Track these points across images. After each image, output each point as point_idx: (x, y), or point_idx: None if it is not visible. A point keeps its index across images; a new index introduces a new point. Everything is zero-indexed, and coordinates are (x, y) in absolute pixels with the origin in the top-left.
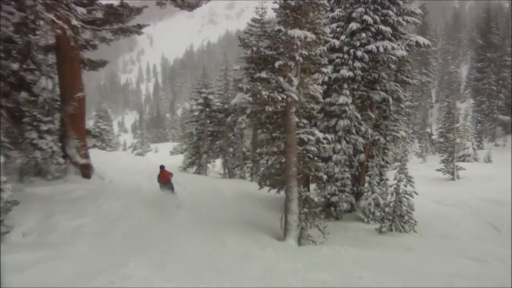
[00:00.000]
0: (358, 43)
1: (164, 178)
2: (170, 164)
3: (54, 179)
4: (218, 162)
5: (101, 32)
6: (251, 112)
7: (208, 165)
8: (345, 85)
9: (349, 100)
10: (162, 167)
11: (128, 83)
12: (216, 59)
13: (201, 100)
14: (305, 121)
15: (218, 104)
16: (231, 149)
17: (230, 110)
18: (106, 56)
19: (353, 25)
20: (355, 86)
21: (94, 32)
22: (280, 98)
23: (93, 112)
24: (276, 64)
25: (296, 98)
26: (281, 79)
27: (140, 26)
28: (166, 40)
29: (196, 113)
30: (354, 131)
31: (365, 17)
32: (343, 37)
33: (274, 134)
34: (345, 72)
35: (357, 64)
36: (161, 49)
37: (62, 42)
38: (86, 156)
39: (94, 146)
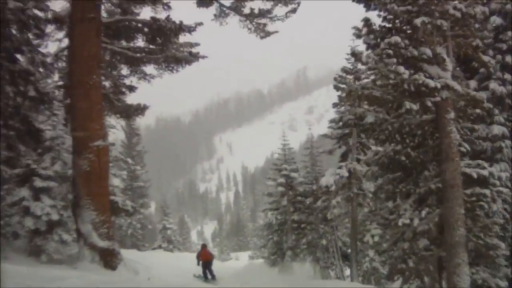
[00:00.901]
0: (505, 46)
1: (206, 256)
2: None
3: (54, 263)
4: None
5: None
6: (373, 123)
7: (294, 263)
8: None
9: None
10: (204, 246)
11: (208, 192)
12: (299, 165)
13: (281, 180)
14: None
15: (304, 183)
16: (323, 242)
17: (320, 192)
18: (185, 163)
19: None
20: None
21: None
22: (433, 85)
23: (172, 220)
24: (418, 22)
25: (459, 89)
26: (428, 51)
27: (193, 54)
28: (245, 147)
29: (275, 198)
30: None
31: None
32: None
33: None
34: (496, 87)
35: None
36: (241, 157)
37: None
38: (109, 237)
39: (160, 247)
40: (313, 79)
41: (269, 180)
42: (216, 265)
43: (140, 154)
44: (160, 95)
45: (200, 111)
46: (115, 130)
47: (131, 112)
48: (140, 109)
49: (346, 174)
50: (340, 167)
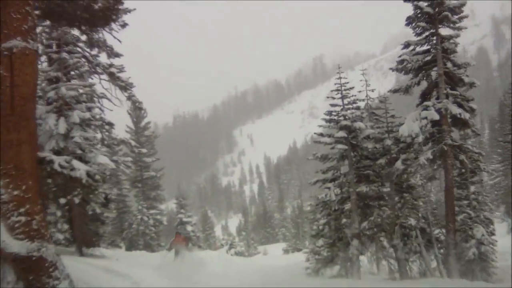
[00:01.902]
0: None
1: (177, 241)
2: (291, 264)
3: None
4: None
5: None
6: None
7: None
8: None
9: None
10: (177, 233)
11: (231, 185)
12: (322, 151)
13: (341, 134)
14: None
15: (374, 138)
16: (409, 222)
17: (397, 149)
18: (205, 159)
19: None
20: None
21: None
22: None
23: (195, 216)
24: None
25: None
26: None
27: None
28: (266, 138)
29: (332, 163)
30: None
31: None
32: None
33: None
34: None
35: None
36: (263, 148)
37: None
38: (34, 235)
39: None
40: (329, 66)
41: (321, 136)
42: (241, 262)
43: (150, 140)
44: (177, 93)
45: (218, 106)
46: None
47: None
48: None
49: (437, 116)
50: (426, 108)
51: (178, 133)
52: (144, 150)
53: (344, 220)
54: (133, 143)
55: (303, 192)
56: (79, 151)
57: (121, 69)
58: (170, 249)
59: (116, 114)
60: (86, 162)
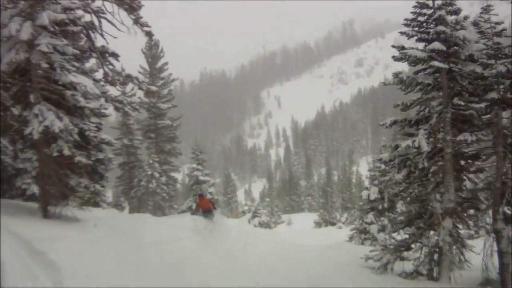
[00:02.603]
0: None
1: (205, 205)
2: (334, 247)
3: None
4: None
5: None
6: None
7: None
8: None
9: None
10: (200, 195)
11: (256, 148)
12: (351, 119)
13: (436, 46)
14: None
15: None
16: None
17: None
18: (232, 119)
19: None
20: None
21: None
22: None
23: (218, 178)
24: None
25: None
26: None
27: None
28: (294, 101)
29: (424, 96)
30: None
31: None
32: None
33: None
34: None
35: None
36: (290, 111)
37: None
38: None
39: (190, 209)
40: (359, 32)
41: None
42: (267, 239)
43: (167, 83)
44: (204, 51)
45: (246, 65)
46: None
47: None
48: None
49: None
50: None
51: (204, 91)
52: (153, 88)
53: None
54: (142, 78)
55: (330, 160)
56: (44, 65)
57: None
58: (196, 213)
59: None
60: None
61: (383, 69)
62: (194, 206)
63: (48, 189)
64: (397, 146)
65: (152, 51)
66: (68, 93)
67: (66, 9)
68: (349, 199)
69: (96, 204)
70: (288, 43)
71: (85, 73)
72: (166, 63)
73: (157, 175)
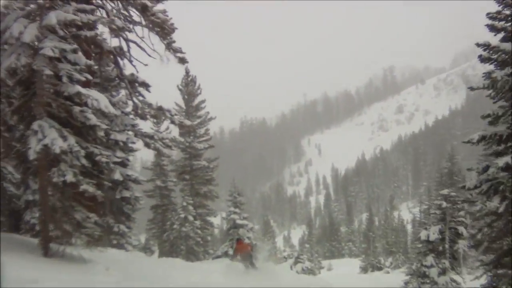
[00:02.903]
0: None
1: (244, 249)
2: None
3: None
4: None
5: None
6: None
7: None
8: None
9: None
10: (238, 240)
11: (296, 195)
12: (392, 165)
13: None
14: None
15: None
16: None
17: None
18: (271, 167)
19: None
20: None
21: None
22: None
23: (257, 225)
24: None
25: None
26: None
27: None
28: (335, 149)
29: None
30: None
31: None
32: None
33: None
34: None
35: None
36: (330, 159)
37: None
38: None
39: (226, 254)
40: (399, 79)
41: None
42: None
43: (204, 122)
44: (245, 98)
45: (287, 114)
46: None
47: None
48: None
49: None
50: None
51: (244, 138)
52: (187, 122)
53: None
54: (175, 112)
55: (371, 206)
56: (48, 72)
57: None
58: (234, 259)
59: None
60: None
61: (423, 115)
62: (231, 251)
63: (48, 223)
64: (487, 168)
65: (189, 88)
66: (76, 108)
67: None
68: (394, 243)
69: (120, 246)
70: (329, 91)
71: (113, 104)
72: (203, 101)
73: (191, 218)
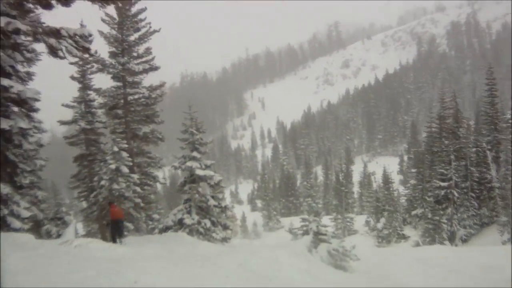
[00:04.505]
0: None
1: (116, 214)
2: None
3: None
4: None
5: None
6: None
7: None
8: None
9: None
10: (111, 203)
11: (240, 149)
12: (341, 119)
13: None
14: None
15: None
16: None
17: None
18: (214, 121)
19: None
20: None
21: None
22: None
23: None
24: None
25: None
26: None
27: None
28: (279, 103)
29: None
30: None
31: None
32: None
33: None
34: None
35: None
36: (275, 112)
37: None
38: None
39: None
40: (344, 35)
41: None
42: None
43: (144, 37)
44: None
45: (228, 68)
46: None
47: None
48: None
49: None
50: None
51: (185, 93)
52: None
53: None
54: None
55: (321, 159)
56: None
57: None
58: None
59: None
60: None
61: (371, 70)
62: (188, 218)
63: None
64: None
65: None
66: None
67: None
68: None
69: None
70: (271, 47)
71: None
72: (143, 9)
73: (125, 170)
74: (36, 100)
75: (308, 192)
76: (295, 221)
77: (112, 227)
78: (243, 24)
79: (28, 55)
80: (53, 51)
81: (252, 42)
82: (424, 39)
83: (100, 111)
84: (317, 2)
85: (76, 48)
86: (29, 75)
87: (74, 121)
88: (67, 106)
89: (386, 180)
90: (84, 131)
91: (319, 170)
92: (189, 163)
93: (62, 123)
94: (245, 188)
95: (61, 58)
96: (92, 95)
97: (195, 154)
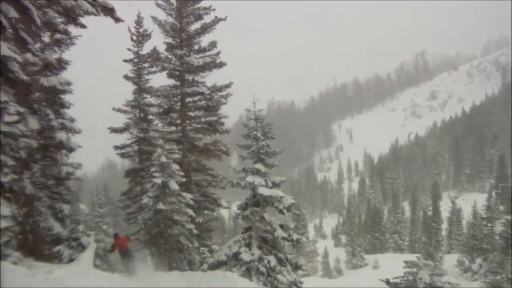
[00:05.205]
0: None
1: (123, 244)
2: None
3: None
4: None
5: None
6: None
7: None
8: None
9: None
10: (116, 235)
11: (327, 181)
12: (428, 153)
13: None
14: None
15: None
16: None
17: None
18: (301, 152)
19: None
20: None
21: None
22: None
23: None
24: None
25: None
26: None
27: None
28: (367, 135)
29: None
30: None
31: None
32: None
33: None
34: None
35: None
36: (362, 144)
37: None
38: None
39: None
40: (431, 65)
41: None
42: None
43: (208, 28)
44: (272, 80)
45: (316, 97)
46: None
47: None
48: None
49: None
50: None
51: (271, 122)
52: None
53: None
54: None
55: (408, 194)
56: None
57: None
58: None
59: None
60: None
61: (457, 102)
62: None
63: None
64: None
65: None
66: None
67: None
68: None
69: None
70: (359, 75)
71: None
72: None
73: (175, 186)
74: (67, 92)
75: (395, 228)
76: (381, 259)
77: (122, 258)
78: (328, 54)
79: (58, 36)
80: (70, 16)
81: (340, 71)
82: (508, 69)
83: (157, 119)
84: (402, 30)
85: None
86: (61, 63)
87: (125, 129)
88: (118, 110)
89: (480, 216)
90: (138, 140)
91: (405, 206)
92: (250, 178)
93: (113, 130)
94: (330, 222)
95: (82, 26)
96: (149, 99)
97: (259, 166)
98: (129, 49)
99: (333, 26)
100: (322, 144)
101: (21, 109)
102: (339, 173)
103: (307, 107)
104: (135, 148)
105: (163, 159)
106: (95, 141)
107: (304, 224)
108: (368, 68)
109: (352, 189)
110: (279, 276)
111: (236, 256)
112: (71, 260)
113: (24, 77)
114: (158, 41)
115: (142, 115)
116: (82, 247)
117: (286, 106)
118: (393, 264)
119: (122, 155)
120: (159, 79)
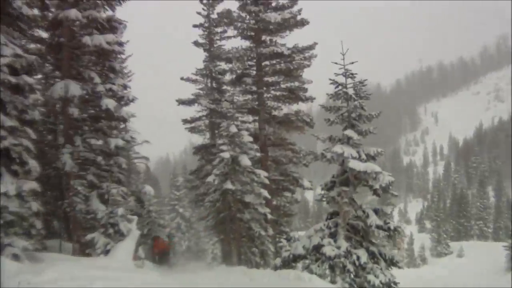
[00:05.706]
0: None
1: (161, 246)
2: None
3: None
4: None
5: None
6: None
7: None
8: None
9: None
10: (155, 237)
11: (412, 165)
12: None
13: None
14: None
15: None
16: None
17: None
18: (387, 135)
19: None
20: None
21: None
22: None
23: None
24: None
25: None
26: None
27: None
28: (451, 118)
29: None
30: None
31: None
32: None
33: None
34: None
35: None
36: (447, 128)
37: None
38: None
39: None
40: None
41: None
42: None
43: None
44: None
45: (402, 80)
46: None
47: None
48: None
49: None
50: None
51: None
52: None
53: None
54: None
55: (490, 180)
56: None
57: None
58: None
59: None
60: None
61: None
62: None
63: None
64: None
65: None
66: None
67: None
68: None
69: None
70: (444, 59)
71: None
72: None
73: (247, 162)
74: (117, 53)
75: (480, 215)
76: (466, 247)
77: (159, 259)
78: (412, 36)
79: None
80: None
81: (424, 54)
82: None
83: (230, 89)
84: (484, 13)
85: None
86: (111, 21)
87: (195, 100)
88: (187, 80)
89: None
90: (209, 113)
91: (489, 191)
92: (338, 148)
93: (181, 102)
94: (414, 207)
95: None
96: (222, 66)
97: (350, 133)
98: (198, 13)
99: (424, 12)
100: (408, 127)
101: (19, 51)
102: (424, 157)
103: (393, 90)
104: (206, 121)
105: (233, 129)
106: (178, 123)
107: (390, 203)
108: (451, 52)
109: (437, 173)
110: (370, 277)
111: (317, 250)
112: (106, 252)
113: (30, 12)
114: (232, 4)
115: (214, 84)
116: (120, 235)
117: (373, 88)
118: (477, 253)
119: (191, 130)
120: (234, 45)
